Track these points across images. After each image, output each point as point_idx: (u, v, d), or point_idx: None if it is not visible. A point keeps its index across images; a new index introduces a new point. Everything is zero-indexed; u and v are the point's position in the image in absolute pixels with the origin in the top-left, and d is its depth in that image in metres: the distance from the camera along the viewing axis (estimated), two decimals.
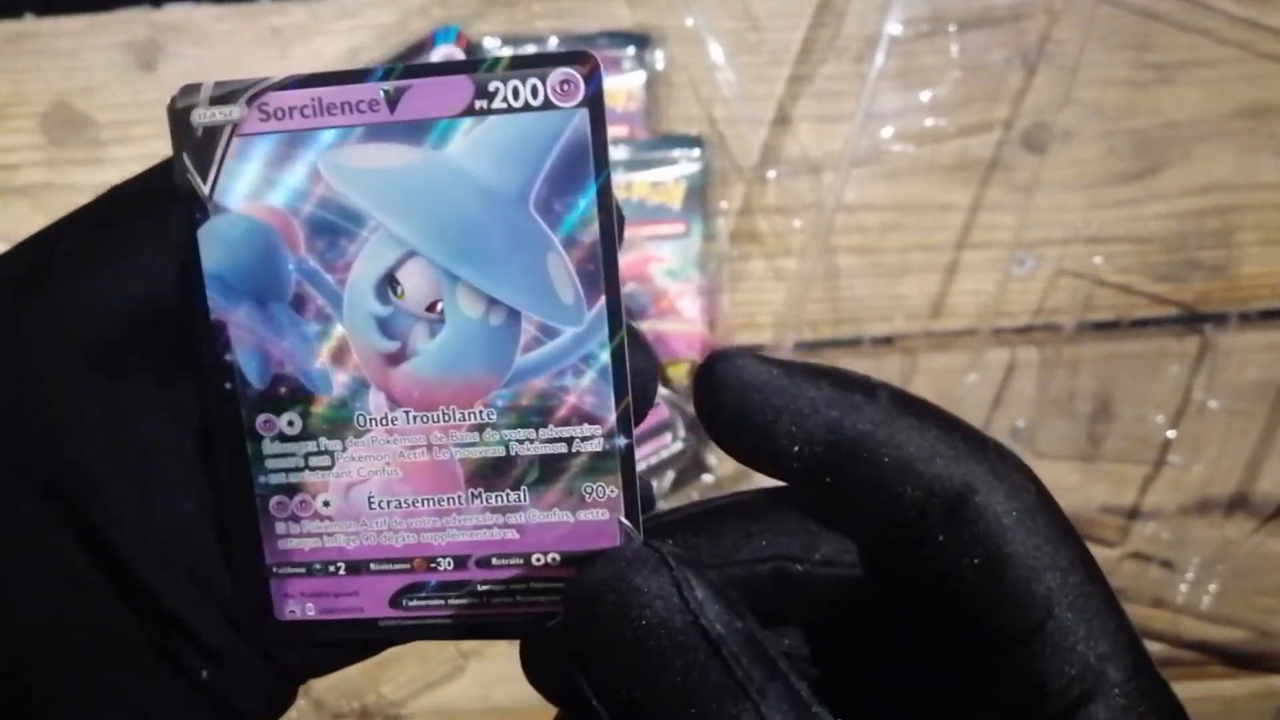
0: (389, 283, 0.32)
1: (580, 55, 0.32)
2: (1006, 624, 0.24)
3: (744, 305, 0.46)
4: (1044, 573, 0.24)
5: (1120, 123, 0.50)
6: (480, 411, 0.33)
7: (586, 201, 0.32)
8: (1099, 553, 0.45)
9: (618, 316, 0.32)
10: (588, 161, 0.32)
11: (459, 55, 0.32)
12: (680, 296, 0.39)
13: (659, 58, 0.41)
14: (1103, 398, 0.49)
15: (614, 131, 0.38)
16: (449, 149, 0.32)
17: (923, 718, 0.26)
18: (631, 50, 0.40)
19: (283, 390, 0.33)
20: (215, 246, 0.33)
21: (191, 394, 0.32)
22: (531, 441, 0.33)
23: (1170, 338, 0.49)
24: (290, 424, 0.33)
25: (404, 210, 0.32)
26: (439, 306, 0.32)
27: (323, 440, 0.33)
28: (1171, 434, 0.49)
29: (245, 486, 0.34)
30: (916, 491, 0.25)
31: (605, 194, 0.32)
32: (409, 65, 0.32)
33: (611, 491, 0.33)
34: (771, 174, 0.45)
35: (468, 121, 0.32)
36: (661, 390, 0.36)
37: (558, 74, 0.31)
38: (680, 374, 0.38)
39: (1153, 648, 0.45)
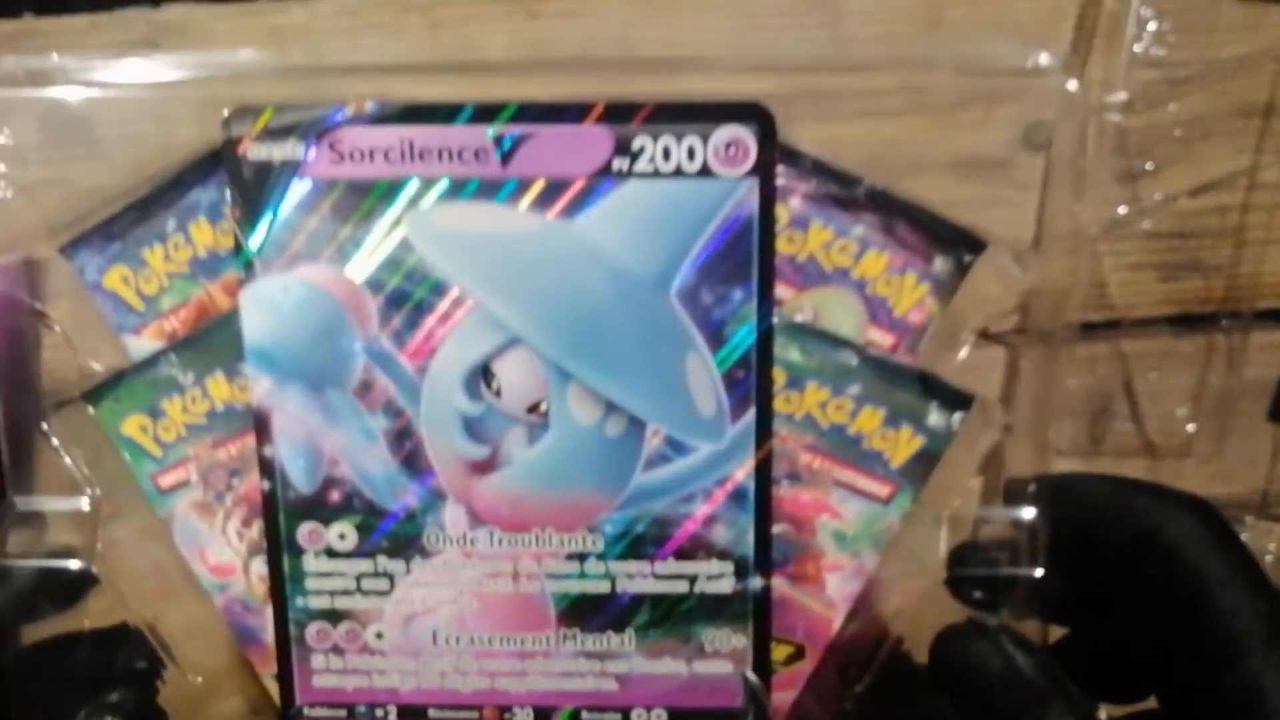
0: (482, 375, 0.26)
1: (749, 109, 0.25)
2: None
3: None
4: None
5: (1120, 122, 0.50)
6: (584, 537, 0.27)
7: (745, 294, 0.26)
8: None
9: (767, 431, 0.26)
10: (751, 244, 0.25)
11: None
12: (834, 570, 0.30)
13: None
14: (1103, 397, 0.49)
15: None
16: (575, 216, 0.25)
17: None
18: None
19: (335, 495, 0.27)
20: (262, 314, 0.26)
21: None
22: (644, 576, 0.27)
23: (1170, 337, 0.49)
24: (341, 537, 0.27)
25: (509, 287, 0.25)
26: (543, 408, 0.26)
27: (381, 560, 0.27)
28: (1172, 434, 0.50)
29: (281, 608, 0.27)
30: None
31: (767, 285, 0.26)
32: (529, 105, 0.24)
33: (738, 641, 0.27)
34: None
35: (603, 184, 0.25)
36: None
37: (723, 133, 0.25)
38: (780, 656, 0.29)
39: None
